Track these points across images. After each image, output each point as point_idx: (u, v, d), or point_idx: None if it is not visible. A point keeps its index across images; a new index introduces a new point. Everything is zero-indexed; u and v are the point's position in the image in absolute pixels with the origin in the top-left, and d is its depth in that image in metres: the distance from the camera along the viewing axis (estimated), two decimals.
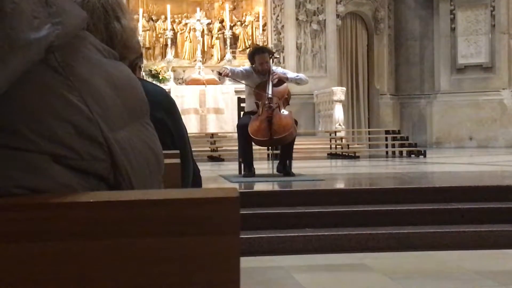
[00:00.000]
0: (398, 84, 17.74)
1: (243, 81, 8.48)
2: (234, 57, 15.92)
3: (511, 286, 4.54)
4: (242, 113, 8.72)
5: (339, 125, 13.64)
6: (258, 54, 8.27)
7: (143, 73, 14.63)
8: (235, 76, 8.35)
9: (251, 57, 8.35)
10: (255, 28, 16.27)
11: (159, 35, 16.35)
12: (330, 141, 14.01)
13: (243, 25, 16.60)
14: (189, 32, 16.35)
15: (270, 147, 8.99)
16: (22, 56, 0.92)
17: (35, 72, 0.95)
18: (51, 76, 0.97)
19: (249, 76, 8.22)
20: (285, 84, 8.15)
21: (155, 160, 1.12)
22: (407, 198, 6.46)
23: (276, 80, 8.06)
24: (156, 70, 15.37)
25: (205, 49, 16.32)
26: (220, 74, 8.45)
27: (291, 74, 8.63)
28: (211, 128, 13.93)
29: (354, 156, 13.07)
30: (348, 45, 16.83)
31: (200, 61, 15.35)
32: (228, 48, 15.72)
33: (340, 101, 13.78)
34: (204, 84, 14.38)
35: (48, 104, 0.95)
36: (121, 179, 1.02)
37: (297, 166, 8.90)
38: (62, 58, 0.99)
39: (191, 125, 13.39)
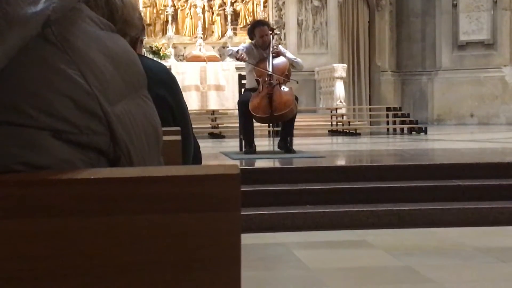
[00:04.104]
0: (399, 61, 17.66)
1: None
2: (235, 34, 15.84)
3: (511, 262, 4.55)
4: (243, 90, 8.70)
5: (340, 102, 13.61)
6: (258, 26, 8.27)
7: (144, 50, 14.58)
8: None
9: (251, 31, 8.33)
10: (256, 4, 16.17)
11: (160, 12, 16.26)
12: (331, 118, 13.99)
13: (244, 1, 16.48)
14: (190, 9, 16.25)
15: (271, 124, 8.98)
16: (20, 32, 0.92)
17: (32, 47, 0.94)
18: (48, 50, 0.96)
19: (250, 53, 8.18)
20: (285, 61, 8.11)
21: (154, 133, 1.12)
22: (407, 175, 6.47)
23: (275, 54, 8.03)
24: (156, 47, 15.30)
25: (206, 26, 16.24)
26: (238, 59, 8.26)
27: (289, 54, 8.58)
28: (212, 105, 13.91)
29: (355, 133, 13.05)
30: (349, 21, 16.75)
31: (201, 37, 15.29)
32: (229, 24, 15.65)
33: (341, 78, 13.73)
34: (205, 60, 14.33)
35: (47, 78, 0.95)
36: (120, 152, 1.02)
37: (298, 143, 8.89)
38: (59, 32, 0.98)
39: (192, 102, 13.36)
